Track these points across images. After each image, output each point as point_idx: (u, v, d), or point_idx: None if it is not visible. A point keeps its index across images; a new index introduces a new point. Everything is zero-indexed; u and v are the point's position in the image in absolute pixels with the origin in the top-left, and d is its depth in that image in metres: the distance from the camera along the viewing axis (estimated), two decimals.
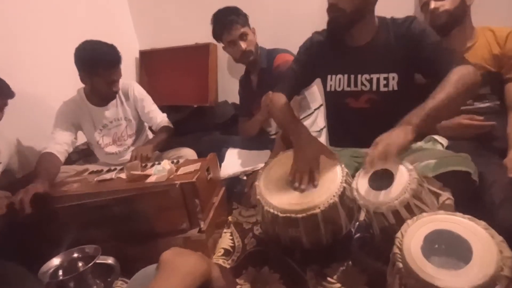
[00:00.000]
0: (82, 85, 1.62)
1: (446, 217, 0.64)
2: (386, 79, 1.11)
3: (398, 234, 0.67)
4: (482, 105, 1.27)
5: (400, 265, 0.61)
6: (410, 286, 0.59)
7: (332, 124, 1.38)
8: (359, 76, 1.15)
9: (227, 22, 1.59)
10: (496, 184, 0.94)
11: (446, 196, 0.89)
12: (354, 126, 1.21)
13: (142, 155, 1.43)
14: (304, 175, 1.01)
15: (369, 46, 1.14)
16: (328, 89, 1.23)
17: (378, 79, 1.12)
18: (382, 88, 1.12)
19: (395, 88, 1.11)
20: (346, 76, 1.17)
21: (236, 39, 1.61)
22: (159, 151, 1.84)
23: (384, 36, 1.12)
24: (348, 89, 1.18)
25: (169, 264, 0.48)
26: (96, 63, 1.45)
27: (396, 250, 0.64)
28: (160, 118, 1.72)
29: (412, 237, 0.63)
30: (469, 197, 0.94)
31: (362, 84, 1.15)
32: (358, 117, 1.19)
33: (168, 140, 1.70)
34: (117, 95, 1.65)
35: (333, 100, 1.27)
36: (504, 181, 0.94)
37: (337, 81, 1.19)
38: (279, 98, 1.24)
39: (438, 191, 0.91)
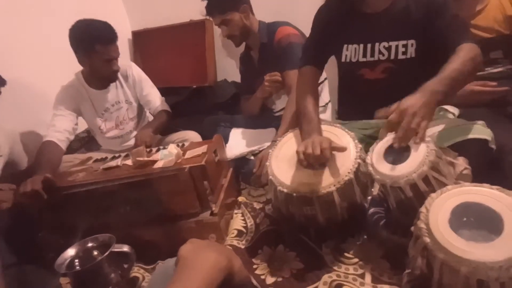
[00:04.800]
0: (79, 69, 1.55)
1: (473, 189, 0.63)
2: (405, 46, 1.08)
3: (423, 209, 0.65)
4: (494, 70, 1.23)
5: (427, 239, 0.60)
6: (438, 261, 0.58)
7: (343, 96, 1.34)
8: (377, 44, 1.11)
9: (206, 8, 1.57)
10: None
11: (463, 166, 0.88)
12: (367, 98, 1.18)
13: (145, 141, 1.40)
14: (315, 157, 0.93)
15: (387, 12, 1.09)
16: (343, 59, 1.19)
17: (396, 47, 1.08)
18: (400, 56, 1.09)
19: (413, 55, 1.08)
20: (362, 46, 1.13)
21: (218, 24, 1.59)
22: (161, 134, 1.81)
23: (402, 2, 1.07)
24: (364, 59, 1.14)
25: (188, 261, 0.46)
26: (92, 40, 1.39)
27: (421, 224, 0.62)
28: (159, 102, 1.68)
29: (439, 211, 0.62)
30: (486, 165, 0.92)
31: (380, 52, 1.11)
32: (372, 89, 1.15)
33: (167, 125, 1.67)
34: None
35: (346, 71, 1.22)
36: None
37: (352, 51, 1.15)
38: (307, 74, 1.18)
39: (454, 161, 0.89)
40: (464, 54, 0.92)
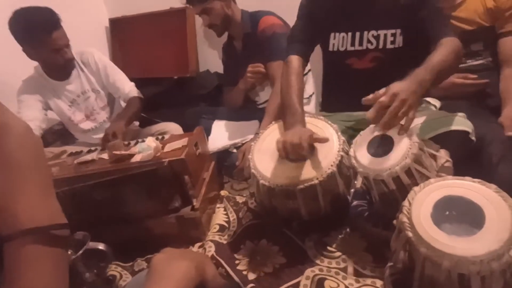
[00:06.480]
0: None
1: (455, 182, 0.62)
2: (394, 35, 1.07)
3: (405, 203, 0.64)
4: (475, 63, 1.24)
5: (410, 234, 0.59)
6: (420, 255, 0.57)
7: (328, 87, 1.32)
8: (365, 33, 1.09)
9: None
10: (494, 143, 0.93)
11: (444, 158, 0.88)
12: (354, 88, 1.15)
13: (115, 134, 1.32)
14: (292, 146, 0.91)
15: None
16: (330, 48, 1.16)
17: (385, 36, 1.07)
18: (388, 45, 1.08)
19: (401, 44, 1.07)
20: (350, 34, 1.11)
21: (199, 13, 1.53)
22: (140, 126, 1.75)
23: None
24: (352, 48, 1.12)
25: (159, 271, 0.45)
26: (33, 30, 1.28)
27: (404, 218, 0.62)
28: (129, 88, 1.57)
29: (421, 204, 0.61)
30: (466, 157, 0.93)
31: (368, 41, 1.10)
32: (360, 79, 1.13)
33: (140, 113, 1.58)
34: (77, 65, 1.50)
35: (334, 61, 1.20)
36: (501, 139, 0.93)
37: (340, 40, 1.13)
38: (293, 64, 1.14)
39: (436, 153, 0.89)
40: (447, 47, 0.92)
